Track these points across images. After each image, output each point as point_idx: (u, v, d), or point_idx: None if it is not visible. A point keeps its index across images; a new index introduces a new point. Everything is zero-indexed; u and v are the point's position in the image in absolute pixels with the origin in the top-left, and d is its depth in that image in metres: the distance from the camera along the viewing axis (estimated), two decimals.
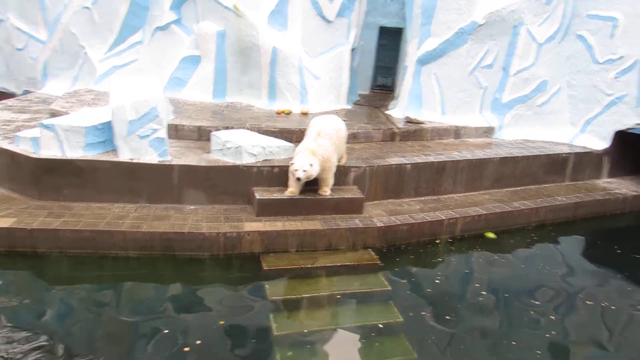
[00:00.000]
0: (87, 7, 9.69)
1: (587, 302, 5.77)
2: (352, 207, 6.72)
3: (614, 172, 9.47)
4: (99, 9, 9.64)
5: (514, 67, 9.48)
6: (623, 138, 9.24)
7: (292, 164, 6.24)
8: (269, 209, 6.42)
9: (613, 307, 5.68)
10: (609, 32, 9.22)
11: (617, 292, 6.05)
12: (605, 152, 9.26)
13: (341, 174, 7.00)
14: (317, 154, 6.36)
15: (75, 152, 6.43)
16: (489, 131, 9.60)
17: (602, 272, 6.51)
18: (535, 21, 9.42)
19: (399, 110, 9.86)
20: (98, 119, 6.67)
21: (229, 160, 6.75)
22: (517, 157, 8.38)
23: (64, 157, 6.33)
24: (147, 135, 6.47)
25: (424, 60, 9.62)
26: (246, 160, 6.72)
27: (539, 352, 4.82)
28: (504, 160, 8.23)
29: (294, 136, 7.91)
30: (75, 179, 6.35)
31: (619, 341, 5.14)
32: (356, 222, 6.52)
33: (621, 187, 8.98)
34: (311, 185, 6.67)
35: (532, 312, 5.45)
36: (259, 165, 6.70)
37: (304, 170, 6.17)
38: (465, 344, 4.88)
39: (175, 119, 7.94)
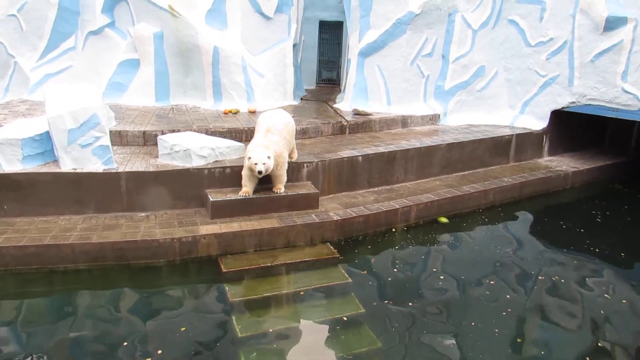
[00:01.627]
0: (13, 15, 9.29)
1: (540, 278, 5.97)
2: (308, 202, 6.72)
3: (554, 150, 9.85)
4: (26, 16, 9.26)
5: (452, 54, 9.70)
6: (559, 117, 9.62)
7: (249, 158, 6.21)
8: (223, 210, 6.34)
9: (563, 281, 5.90)
10: (538, 15, 9.54)
11: (566, 265, 6.29)
12: (544, 131, 9.60)
13: (294, 170, 6.98)
14: (270, 149, 6.34)
15: (12, 165, 6.13)
16: (434, 119, 9.77)
17: (551, 248, 6.75)
18: (468, 8, 9.66)
19: (346, 103, 9.90)
20: (35, 130, 6.39)
21: (179, 163, 6.62)
22: (463, 142, 8.57)
23: (0, 172, 6.02)
24: (89, 144, 6.25)
25: (366, 53, 9.71)
26: (196, 162, 6.61)
27: (496, 330, 4.95)
28: (451, 146, 8.40)
29: (244, 135, 7.83)
30: (15, 194, 6.06)
31: (571, 312, 5.34)
32: (313, 217, 6.52)
33: (561, 164, 9.34)
34: (264, 184, 6.62)
35: (488, 292, 5.59)
36: (209, 167, 6.61)
37: (264, 163, 6.15)
38: (427, 328, 4.95)
39: (118, 125, 7.72)
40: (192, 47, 9.27)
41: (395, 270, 6.02)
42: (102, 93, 8.96)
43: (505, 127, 9.75)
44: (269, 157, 6.18)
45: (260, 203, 6.52)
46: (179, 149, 6.62)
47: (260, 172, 6.14)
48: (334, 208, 6.85)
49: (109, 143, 6.41)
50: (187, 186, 6.53)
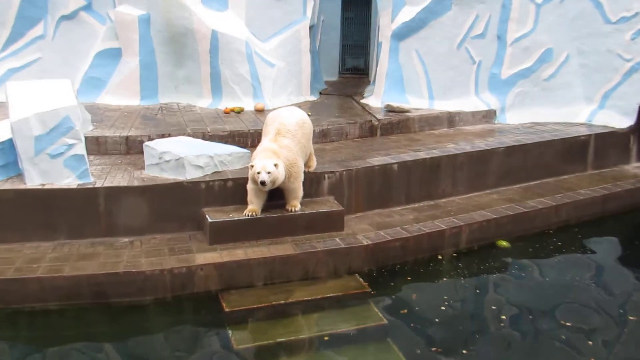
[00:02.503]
0: None
1: (630, 319, 5.83)
2: (330, 223, 6.71)
3: None
4: None
5: (510, 35, 9.65)
6: None
7: (252, 166, 6.26)
8: (225, 233, 6.35)
9: None
10: None
11: None
12: (631, 130, 9.46)
13: (312, 182, 6.99)
14: (280, 155, 6.38)
15: None
16: (489, 115, 9.73)
17: None
18: None
19: (377, 98, 9.92)
20: None
21: (169, 176, 6.67)
22: (527, 145, 8.50)
23: None
24: (61, 154, 6.31)
25: (400, 35, 9.70)
26: (191, 174, 6.64)
27: None
28: (510, 150, 8.33)
29: (249, 139, 7.86)
30: None
31: None
32: (337, 241, 6.50)
33: None
34: (276, 199, 6.64)
35: (563, 337, 5.47)
36: (207, 179, 6.64)
37: (269, 172, 6.16)
38: None
39: (96, 130, 7.79)
40: (186, 31, 9.35)
41: (443, 308, 5.94)
42: (76, 91, 9.05)
43: (580, 125, 9.64)
44: (276, 166, 6.19)
45: (271, 224, 6.51)
46: (169, 158, 6.66)
47: (263, 184, 6.16)
48: (364, 230, 6.83)
49: (85, 152, 6.45)
50: (179, 204, 6.56)
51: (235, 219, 6.41)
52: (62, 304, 5.67)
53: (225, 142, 7.63)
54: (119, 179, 6.59)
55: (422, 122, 9.18)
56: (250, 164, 6.33)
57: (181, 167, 6.64)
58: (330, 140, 8.39)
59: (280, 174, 6.28)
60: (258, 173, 6.18)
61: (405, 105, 9.49)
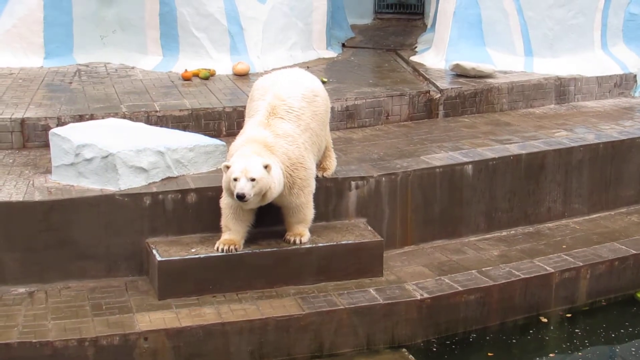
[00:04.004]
0: None
1: None
2: (360, 263, 6.75)
3: None
4: None
5: None
6: None
7: (227, 168, 6.20)
8: (184, 281, 6.37)
9: None
10: None
11: None
12: None
13: (330, 195, 7.05)
14: (275, 151, 6.35)
15: None
16: (624, 83, 9.79)
17: None
18: None
19: (438, 54, 10.01)
20: None
21: (92, 185, 6.69)
22: None
23: None
24: None
25: None
26: (128, 182, 6.66)
27: None
28: None
29: (224, 123, 7.91)
30: None
31: None
32: (371, 294, 6.50)
33: None
34: (267, 222, 6.69)
35: None
36: (155, 190, 6.67)
37: (252, 179, 6.08)
38: None
39: None
40: None
41: None
42: None
43: None
44: (267, 168, 6.11)
45: (260, 265, 6.55)
46: (92, 156, 6.67)
47: (241, 198, 6.08)
48: (416, 274, 6.87)
49: None
50: (109, 232, 6.59)
51: (202, 256, 6.42)
52: None
53: (185, 129, 7.66)
54: (9, 190, 6.60)
55: (514, 94, 9.20)
56: (225, 164, 6.27)
57: (111, 171, 6.63)
58: (360, 124, 8.45)
59: (274, 182, 6.20)
60: (235, 180, 6.13)
61: (485, 67, 9.50)
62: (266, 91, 6.73)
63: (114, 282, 6.58)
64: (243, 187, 5.99)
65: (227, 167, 6.17)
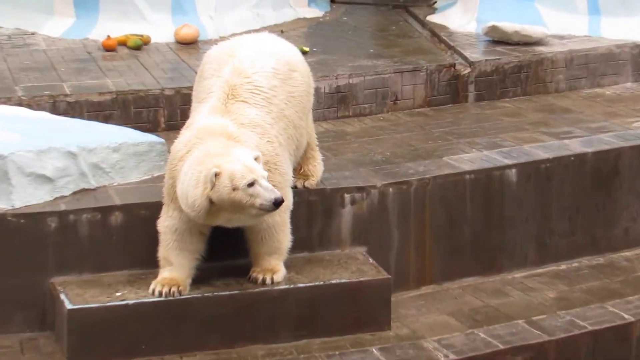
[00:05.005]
0: None
1: None
2: (358, 310, 6.73)
3: None
4: None
5: None
6: None
7: (217, 175, 5.93)
8: (105, 338, 6.32)
9: None
10: None
11: None
12: None
13: (315, 212, 7.06)
14: (241, 142, 6.26)
15: None
16: None
17: None
18: None
19: (465, 13, 10.16)
20: None
21: None
22: None
23: None
24: None
25: None
26: (24, 196, 6.64)
27: None
28: None
29: (163, 112, 7.95)
30: None
31: None
32: (374, 356, 6.41)
33: None
34: (225, 254, 6.69)
35: None
36: (63, 209, 6.65)
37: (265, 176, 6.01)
38: None
39: None
40: None
41: None
42: None
43: None
44: (256, 159, 6.06)
45: (213, 315, 6.51)
46: None
47: (281, 203, 5.98)
48: (438, 326, 6.85)
49: None
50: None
51: (131, 302, 6.38)
52: None
53: (107, 120, 7.68)
54: None
55: (575, 67, 9.26)
56: (214, 170, 5.98)
57: (1, 180, 6.61)
58: (357, 112, 8.50)
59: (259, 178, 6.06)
60: (250, 185, 5.91)
61: (533, 30, 9.54)
62: (222, 65, 6.72)
63: (4, 340, 6.51)
64: (272, 188, 5.98)
65: (217, 175, 5.95)
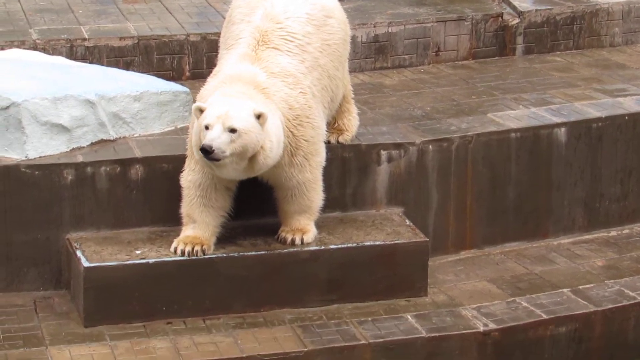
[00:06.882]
0: None
1: None
2: (393, 275, 6.73)
3: None
4: None
5: None
6: None
7: (199, 111, 6.07)
8: (123, 298, 6.35)
9: None
10: None
11: None
12: None
13: (349, 170, 7.05)
14: (270, 94, 6.30)
15: None
16: None
17: None
18: None
19: None
20: None
21: None
22: None
23: None
24: None
25: None
26: (39, 146, 6.67)
27: None
28: None
29: (188, 59, 7.94)
30: None
31: None
32: (410, 323, 6.45)
33: None
34: (252, 212, 6.70)
35: None
36: (81, 160, 6.67)
37: (232, 130, 5.98)
38: None
39: None
40: None
41: None
42: None
43: None
44: (259, 117, 6.06)
45: (239, 276, 6.53)
46: None
47: (208, 153, 5.94)
48: (478, 293, 6.86)
49: None
50: (10, 222, 6.60)
51: (152, 261, 6.41)
52: None
53: (129, 67, 7.68)
54: None
55: (632, 20, 9.22)
56: (198, 105, 6.17)
57: (14, 129, 6.64)
58: (395, 63, 8.47)
59: (269, 140, 6.15)
60: (206, 128, 6.03)
61: None
62: (253, 10, 6.71)
63: (17, 298, 6.57)
64: (215, 137, 5.92)
65: (201, 111, 6.09)
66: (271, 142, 6.14)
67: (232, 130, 5.92)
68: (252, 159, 6.08)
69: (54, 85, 6.81)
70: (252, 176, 6.32)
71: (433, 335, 6.36)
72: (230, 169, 6.11)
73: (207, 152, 5.85)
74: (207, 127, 5.94)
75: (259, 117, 6.01)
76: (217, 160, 5.94)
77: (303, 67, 6.51)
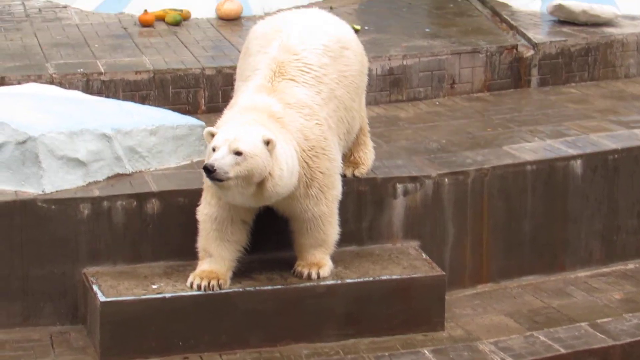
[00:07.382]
0: None
1: None
2: (409, 309, 6.74)
3: None
4: None
5: None
6: None
7: (210, 135, 6.09)
8: (140, 333, 6.37)
9: None
10: None
11: None
12: None
13: (364, 202, 7.06)
14: (285, 123, 6.32)
15: None
16: None
17: None
18: None
19: None
20: None
21: (1, 184, 6.72)
22: None
23: None
24: None
25: None
26: (55, 180, 6.70)
27: None
28: None
29: (204, 93, 7.96)
30: None
31: None
32: (426, 356, 6.45)
33: None
34: (268, 246, 6.71)
35: None
36: (97, 195, 6.69)
37: (238, 152, 5.99)
38: None
39: None
40: None
41: None
42: None
43: None
44: (268, 143, 6.02)
45: (255, 311, 6.54)
46: (1, 141, 6.69)
47: (210, 172, 5.89)
48: (495, 327, 6.86)
49: None
50: (26, 256, 6.60)
51: (168, 296, 6.42)
52: None
53: (145, 101, 7.71)
54: None
55: None
56: (209, 129, 6.18)
57: (31, 164, 6.66)
58: (411, 96, 8.49)
59: (279, 167, 6.13)
60: (213, 150, 6.04)
61: (603, 9, 9.48)
62: (270, 41, 6.73)
63: (34, 333, 6.58)
64: (219, 158, 5.91)
65: (212, 135, 6.11)
66: (281, 170, 6.12)
67: (238, 153, 5.92)
68: (261, 185, 6.06)
69: (70, 119, 6.83)
70: (263, 204, 6.33)
71: None
72: (236, 193, 6.09)
73: (209, 171, 5.87)
74: (214, 150, 5.98)
75: (267, 143, 6.01)
76: (220, 180, 5.94)
77: (319, 98, 6.52)
